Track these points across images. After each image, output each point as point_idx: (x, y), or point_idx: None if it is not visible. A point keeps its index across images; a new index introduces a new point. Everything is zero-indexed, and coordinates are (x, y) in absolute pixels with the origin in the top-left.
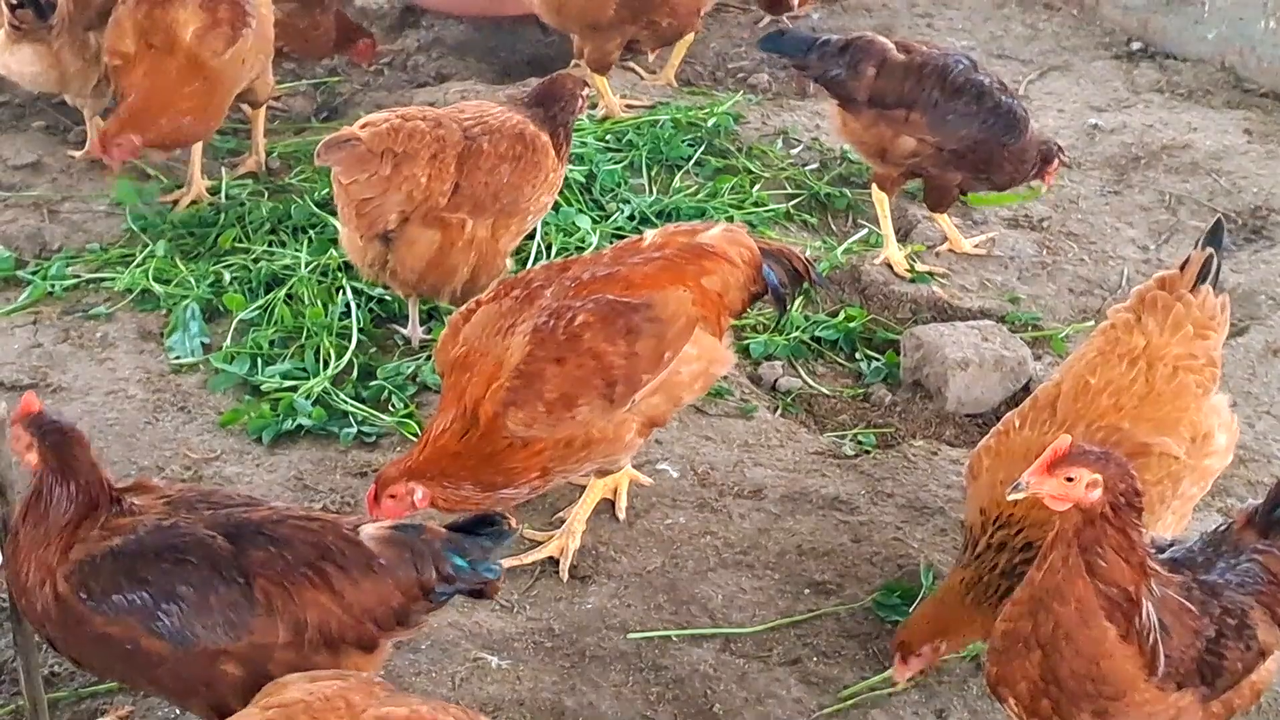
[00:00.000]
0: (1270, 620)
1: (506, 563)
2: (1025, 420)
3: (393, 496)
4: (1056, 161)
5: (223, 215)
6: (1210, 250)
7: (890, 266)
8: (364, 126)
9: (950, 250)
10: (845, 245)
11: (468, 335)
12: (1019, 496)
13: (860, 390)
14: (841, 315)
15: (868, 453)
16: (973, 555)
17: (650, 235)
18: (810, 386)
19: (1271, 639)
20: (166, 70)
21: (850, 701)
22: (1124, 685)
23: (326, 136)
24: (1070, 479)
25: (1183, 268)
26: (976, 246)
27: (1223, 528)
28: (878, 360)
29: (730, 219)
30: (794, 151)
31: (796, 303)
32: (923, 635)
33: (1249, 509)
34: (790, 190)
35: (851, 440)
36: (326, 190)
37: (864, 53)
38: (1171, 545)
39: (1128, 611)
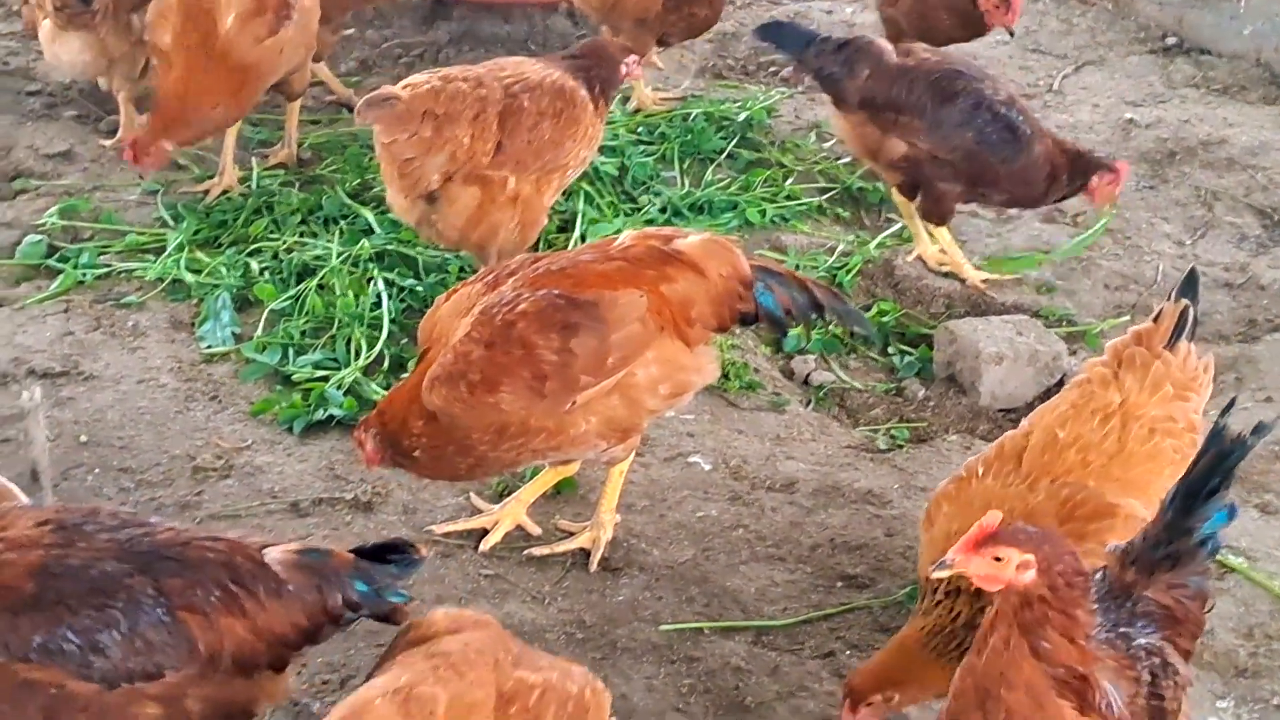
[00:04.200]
0: (1177, 653)
1: (538, 552)
2: (989, 468)
3: (360, 443)
4: (1096, 179)
5: (249, 202)
6: (1185, 302)
7: (924, 261)
8: (405, 87)
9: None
10: (878, 239)
11: (442, 314)
12: (943, 575)
13: (893, 385)
14: (874, 309)
15: (900, 447)
16: (932, 603)
17: (624, 236)
18: (843, 381)
19: (1187, 671)
20: (201, 71)
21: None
22: None
23: (366, 95)
24: (999, 559)
25: (1156, 319)
26: (985, 281)
27: (1098, 574)
28: (911, 354)
29: (763, 213)
30: (826, 145)
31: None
32: (875, 683)
33: (1119, 551)
34: (823, 184)
35: (884, 434)
36: (357, 181)
37: (861, 54)
38: None
39: (1080, 689)
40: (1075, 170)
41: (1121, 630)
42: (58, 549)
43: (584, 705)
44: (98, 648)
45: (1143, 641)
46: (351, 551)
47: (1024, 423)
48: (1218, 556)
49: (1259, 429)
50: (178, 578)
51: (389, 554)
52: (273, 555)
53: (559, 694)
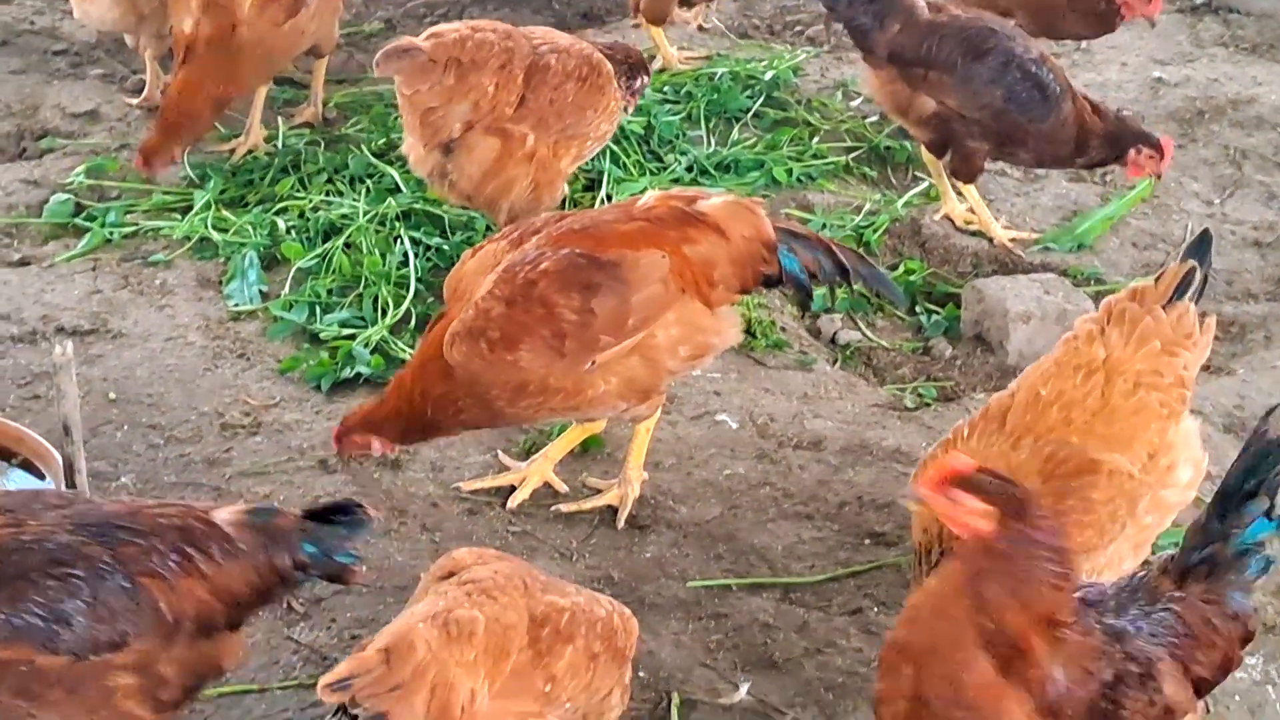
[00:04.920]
0: (1182, 676)
1: (566, 509)
2: (974, 430)
3: (354, 442)
4: (1134, 153)
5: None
6: (1192, 263)
7: (951, 220)
8: (429, 37)
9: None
10: (905, 198)
11: (467, 270)
12: (911, 506)
13: (920, 343)
14: (901, 268)
15: (928, 405)
16: (922, 575)
17: (647, 196)
18: (870, 339)
19: (1182, 697)
20: (215, 71)
21: None
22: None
23: (385, 46)
24: (958, 502)
25: (1158, 280)
26: (1013, 241)
27: (1140, 574)
28: (938, 313)
29: (789, 172)
30: (853, 104)
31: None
32: None
33: (1165, 557)
34: (850, 143)
35: (912, 393)
36: (383, 140)
37: (892, 7)
38: (1085, 585)
39: (1007, 654)
40: (1112, 138)
41: (1119, 627)
42: (9, 528)
43: (612, 628)
44: (63, 618)
45: (1134, 644)
46: (302, 513)
47: (1012, 384)
48: None
49: None
50: (133, 545)
51: (338, 515)
52: (222, 516)
53: (588, 617)
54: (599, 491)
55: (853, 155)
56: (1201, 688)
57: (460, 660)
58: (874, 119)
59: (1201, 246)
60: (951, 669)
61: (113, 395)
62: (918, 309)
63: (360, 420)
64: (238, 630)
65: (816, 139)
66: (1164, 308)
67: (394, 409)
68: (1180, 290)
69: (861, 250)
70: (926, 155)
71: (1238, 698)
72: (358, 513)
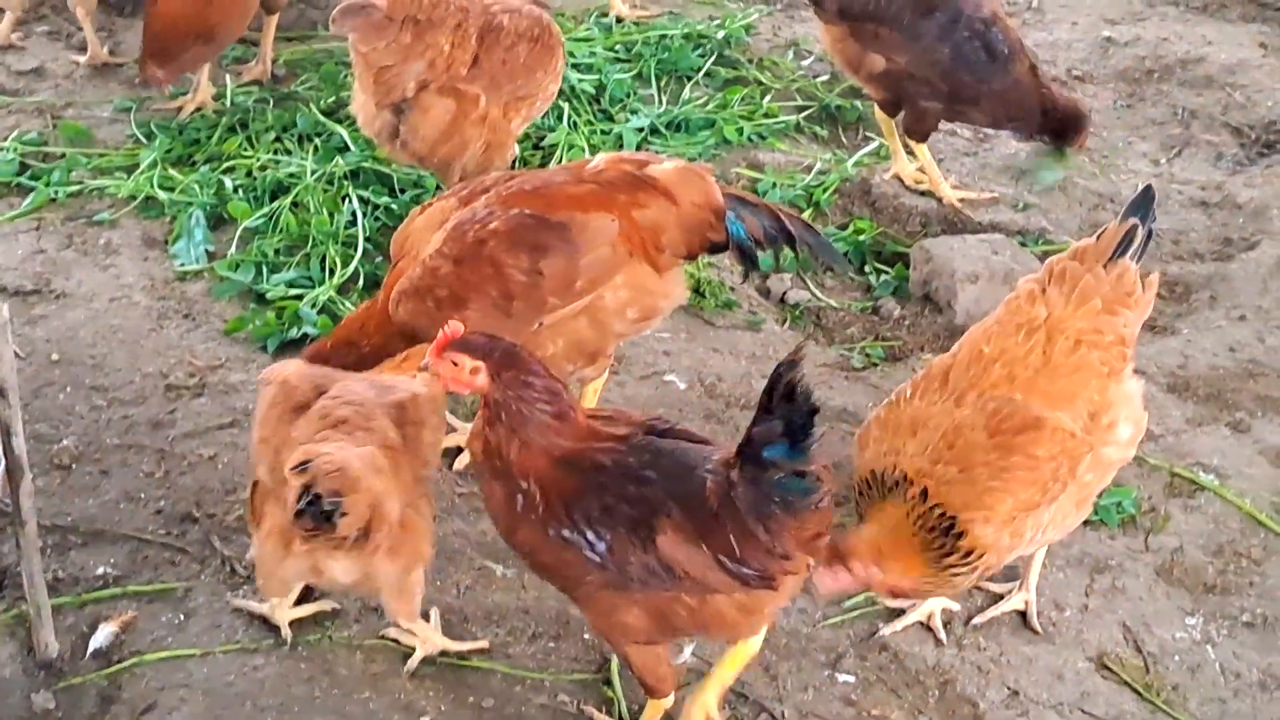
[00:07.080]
0: (695, 542)
1: None
2: (917, 390)
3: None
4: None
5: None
6: (1134, 221)
7: (901, 179)
8: None
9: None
10: (855, 157)
11: (415, 227)
12: (421, 374)
13: (869, 303)
14: (851, 228)
15: (875, 365)
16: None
17: (597, 159)
18: (819, 299)
19: (688, 562)
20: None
21: (855, 613)
22: (504, 526)
23: (341, 2)
24: (456, 364)
25: (1099, 238)
26: (962, 201)
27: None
28: (887, 273)
29: (740, 131)
30: (805, 63)
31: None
32: (866, 552)
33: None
34: (800, 102)
35: (860, 353)
36: (332, 98)
37: None
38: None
39: (515, 490)
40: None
41: (638, 471)
42: None
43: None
44: None
45: (649, 494)
46: None
47: (955, 345)
48: (1188, 473)
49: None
50: None
51: None
52: None
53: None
54: None
55: (804, 114)
56: (747, 576)
57: (383, 486)
58: (825, 78)
59: (1144, 204)
60: (486, 494)
61: (55, 356)
62: (867, 269)
63: (310, 356)
64: None
65: (768, 98)
66: (1105, 266)
67: (342, 342)
68: (1122, 248)
69: (811, 211)
70: (879, 114)
71: (1177, 657)
72: None
